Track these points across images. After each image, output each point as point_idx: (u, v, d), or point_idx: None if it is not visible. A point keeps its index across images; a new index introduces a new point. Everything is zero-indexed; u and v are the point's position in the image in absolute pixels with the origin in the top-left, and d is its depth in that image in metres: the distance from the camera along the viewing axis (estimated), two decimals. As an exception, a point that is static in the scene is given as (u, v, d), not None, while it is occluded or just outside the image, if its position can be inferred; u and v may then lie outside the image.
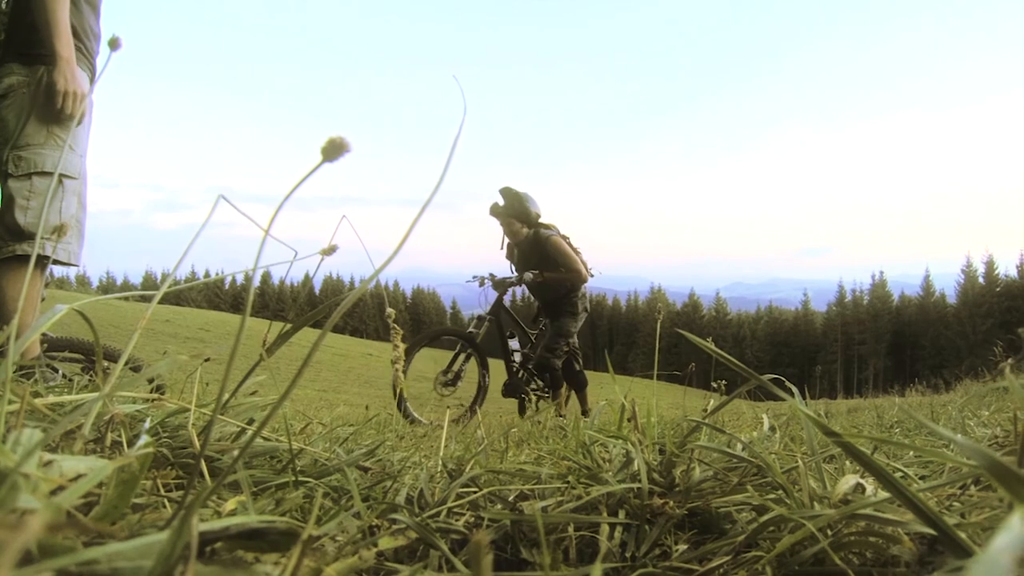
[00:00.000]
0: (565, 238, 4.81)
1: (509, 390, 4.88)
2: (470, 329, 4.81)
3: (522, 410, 4.97)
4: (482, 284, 5.07)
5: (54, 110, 2.06)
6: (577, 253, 4.82)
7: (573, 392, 5.16)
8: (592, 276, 4.92)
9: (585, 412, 4.73)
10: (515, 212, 4.74)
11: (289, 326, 0.63)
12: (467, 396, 4.70)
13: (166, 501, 0.55)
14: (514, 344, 5.07)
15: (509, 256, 5.10)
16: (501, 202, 4.83)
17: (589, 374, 5.11)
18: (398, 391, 4.08)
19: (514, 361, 4.99)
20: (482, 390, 4.62)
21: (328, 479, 0.71)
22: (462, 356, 4.71)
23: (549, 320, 4.94)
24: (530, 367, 4.91)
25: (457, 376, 4.62)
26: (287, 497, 0.61)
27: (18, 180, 2.03)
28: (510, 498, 0.68)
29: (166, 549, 0.30)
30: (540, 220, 4.84)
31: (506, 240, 4.98)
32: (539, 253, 4.74)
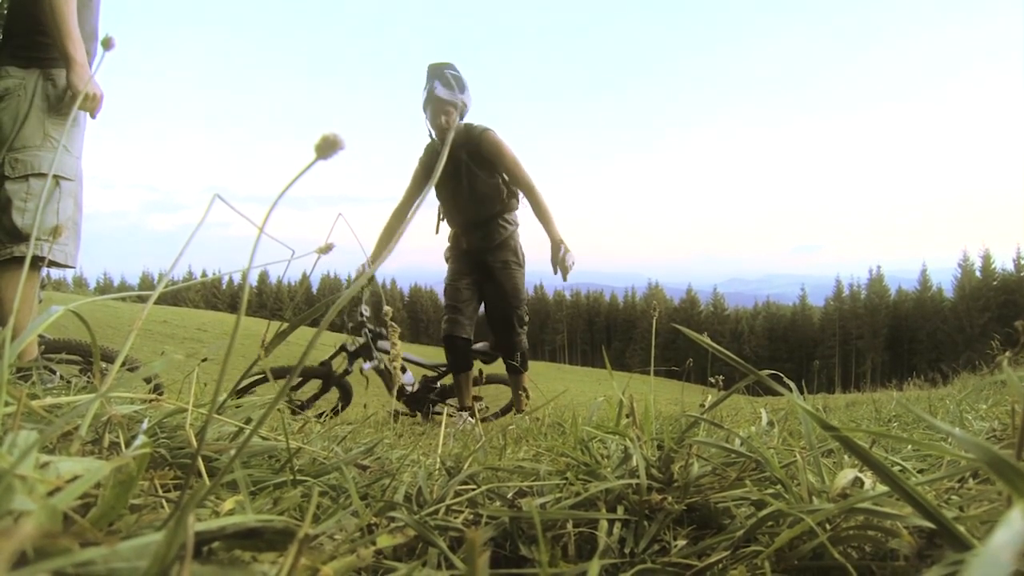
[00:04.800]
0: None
1: (412, 403, 3.82)
2: (342, 368, 3.54)
3: (425, 413, 3.93)
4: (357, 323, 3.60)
5: (72, 112, 2.08)
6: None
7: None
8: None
9: (518, 406, 3.58)
10: (462, 104, 3.28)
11: (286, 325, 0.63)
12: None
13: (164, 501, 0.55)
14: (406, 378, 3.86)
15: (424, 170, 3.51)
16: (441, 89, 3.20)
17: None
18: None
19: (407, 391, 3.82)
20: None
21: (326, 478, 0.71)
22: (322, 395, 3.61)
23: (484, 279, 3.49)
24: (490, 352, 3.60)
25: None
26: (285, 496, 0.61)
27: (15, 182, 2.03)
28: (508, 495, 0.67)
29: (162, 549, 0.30)
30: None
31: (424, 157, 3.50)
32: (478, 158, 3.27)
